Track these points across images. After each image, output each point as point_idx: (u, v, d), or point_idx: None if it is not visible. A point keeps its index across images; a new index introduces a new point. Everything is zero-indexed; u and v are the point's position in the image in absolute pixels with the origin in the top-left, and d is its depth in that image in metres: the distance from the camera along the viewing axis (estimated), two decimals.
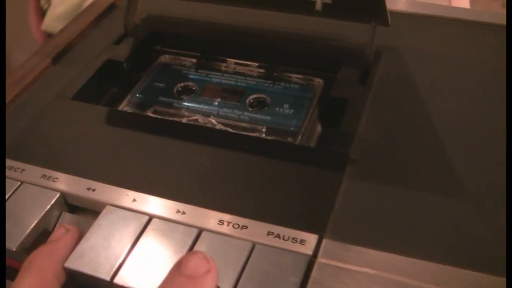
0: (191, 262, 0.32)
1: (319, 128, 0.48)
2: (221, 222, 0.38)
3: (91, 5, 0.62)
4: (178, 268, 0.32)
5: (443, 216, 0.38)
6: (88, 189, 0.41)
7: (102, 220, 0.39)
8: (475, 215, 0.38)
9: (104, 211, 0.39)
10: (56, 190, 0.41)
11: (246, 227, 0.38)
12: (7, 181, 0.42)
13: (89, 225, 0.39)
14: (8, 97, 0.51)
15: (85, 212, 0.42)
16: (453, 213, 0.39)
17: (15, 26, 1.62)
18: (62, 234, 0.37)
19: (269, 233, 0.37)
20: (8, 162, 0.44)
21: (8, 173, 0.43)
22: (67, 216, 0.41)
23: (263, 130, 0.47)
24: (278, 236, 0.37)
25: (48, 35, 1.35)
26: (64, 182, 0.42)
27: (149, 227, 0.38)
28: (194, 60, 0.56)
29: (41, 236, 0.39)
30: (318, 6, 0.43)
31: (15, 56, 1.75)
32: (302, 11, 0.50)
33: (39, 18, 1.37)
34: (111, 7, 0.62)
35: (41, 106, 0.49)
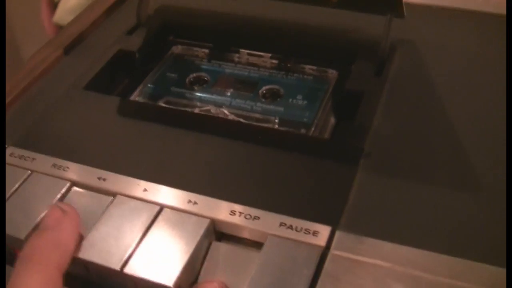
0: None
1: (332, 120, 0.48)
2: (232, 212, 0.38)
3: None
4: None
5: (458, 210, 0.38)
6: (99, 178, 0.41)
7: (113, 210, 0.38)
8: (491, 210, 0.38)
9: (115, 201, 0.39)
10: (67, 180, 0.41)
11: (258, 217, 0.37)
12: (18, 170, 0.42)
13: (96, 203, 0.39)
14: (20, 87, 0.51)
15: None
16: (469, 207, 0.38)
17: (27, 19, 1.63)
18: (60, 217, 0.36)
19: (281, 224, 0.37)
20: (19, 151, 0.44)
21: (19, 162, 0.43)
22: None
23: (276, 121, 0.46)
24: (290, 227, 0.36)
25: (60, 28, 1.35)
26: (75, 172, 0.42)
27: (160, 217, 0.38)
28: (207, 51, 0.55)
29: None
30: None
31: (27, 49, 1.76)
32: (317, 2, 0.49)
33: (51, 10, 1.37)
34: None
35: (53, 96, 0.49)
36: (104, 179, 0.41)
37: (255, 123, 0.46)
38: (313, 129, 0.46)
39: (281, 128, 0.46)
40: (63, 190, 0.41)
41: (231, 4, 0.57)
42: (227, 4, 0.57)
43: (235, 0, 0.56)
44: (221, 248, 0.37)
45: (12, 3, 1.58)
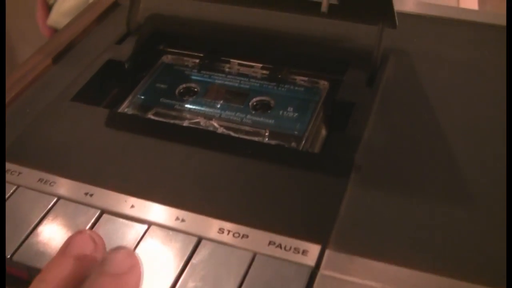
0: (115, 259, 0.29)
1: (324, 132, 0.47)
2: (221, 230, 0.37)
3: (94, 3, 0.61)
4: (101, 267, 0.29)
5: (451, 228, 0.37)
6: (86, 194, 0.40)
7: (100, 229, 0.38)
8: (485, 227, 0.37)
9: (101, 219, 0.38)
10: (53, 195, 0.40)
11: (247, 236, 0.37)
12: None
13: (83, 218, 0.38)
14: (8, 97, 0.50)
15: None
16: (462, 224, 0.37)
17: (22, 21, 1.62)
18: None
19: (270, 243, 0.36)
20: (6, 165, 0.43)
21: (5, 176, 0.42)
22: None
23: (266, 134, 0.46)
24: (279, 246, 0.36)
25: (55, 31, 1.35)
26: (62, 187, 0.41)
27: (147, 235, 0.37)
28: (197, 61, 0.54)
29: (39, 244, 0.38)
30: (324, 8, 0.42)
31: (23, 50, 1.75)
32: (307, 12, 0.49)
33: (46, 13, 1.36)
34: (114, 5, 0.61)
35: (41, 106, 0.48)
36: (91, 195, 0.40)
37: (245, 136, 0.46)
38: (303, 142, 0.45)
39: (271, 142, 0.45)
40: (50, 206, 0.40)
41: (222, 13, 0.56)
42: (218, 13, 0.56)
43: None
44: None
45: (8, 5, 1.57)
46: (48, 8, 1.35)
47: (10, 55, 1.75)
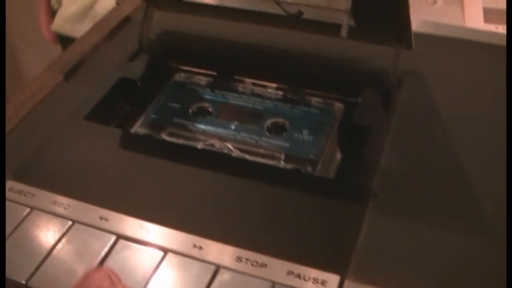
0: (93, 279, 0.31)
1: (339, 156, 0.47)
2: (239, 259, 0.37)
3: (105, 18, 0.60)
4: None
5: (474, 258, 0.37)
6: (101, 218, 0.40)
7: (115, 256, 0.37)
8: (504, 258, 0.37)
9: (117, 246, 0.38)
10: (68, 219, 0.40)
11: (266, 265, 0.36)
12: (18, 207, 0.41)
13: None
14: (19, 115, 0.49)
15: None
16: (484, 254, 0.37)
17: (26, 25, 1.62)
18: None
19: (289, 273, 0.36)
20: (19, 186, 0.43)
21: (18, 198, 0.42)
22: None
23: (282, 157, 0.45)
24: (298, 276, 0.36)
25: (58, 36, 1.34)
26: (76, 210, 0.41)
27: (164, 262, 0.37)
28: (210, 79, 0.54)
29: (54, 269, 0.37)
30: (344, 32, 0.42)
31: (25, 54, 1.75)
32: (325, 33, 0.48)
33: (49, 18, 1.36)
34: (126, 20, 0.60)
35: (52, 126, 0.48)
36: (106, 219, 0.40)
37: (260, 159, 0.45)
38: (319, 166, 0.45)
39: (287, 165, 0.45)
40: (64, 230, 0.40)
41: (236, 32, 0.56)
42: (232, 31, 0.56)
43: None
44: None
45: (11, 10, 1.57)
46: (52, 13, 1.35)
47: (12, 59, 1.75)
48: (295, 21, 0.49)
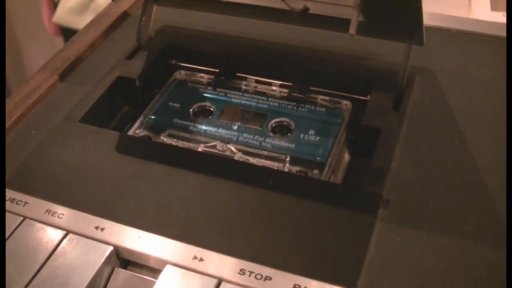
0: None
1: (347, 158, 0.44)
2: (242, 271, 0.35)
3: (102, 14, 0.58)
4: None
5: (488, 268, 0.35)
6: (97, 228, 0.38)
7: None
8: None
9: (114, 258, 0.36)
10: (62, 229, 0.38)
11: (270, 278, 0.34)
12: (9, 216, 0.39)
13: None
14: (13, 116, 0.47)
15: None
16: (499, 264, 0.35)
17: (28, 17, 1.60)
18: None
19: (295, 287, 0.34)
20: (11, 194, 0.41)
21: (10, 206, 0.40)
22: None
23: (287, 159, 0.43)
24: None
25: (61, 28, 1.33)
26: (70, 219, 0.39)
27: (162, 275, 0.35)
28: (212, 77, 0.52)
29: (46, 285, 0.36)
30: (352, 30, 0.39)
31: (28, 47, 1.73)
32: (332, 28, 0.46)
33: (51, 10, 1.35)
34: (123, 16, 0.58)
35: (47, 128, 0.46)
36: (102, 229, 0.38)
37: (264, 161, 0.43)
38: (326, 169, 0.42)
39: (293, 168, 0.43)
40: (58, 240, 0.38)
41: (238, 27, 0.53)
42: (234, 26, 0.53)
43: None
44: None
45: (14, 2, 1.55)
46: (54, 5, 1.33)
47: (16, 52, 1.73)
48: (301, 16, 0.46)
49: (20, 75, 1.76)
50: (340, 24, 0.44)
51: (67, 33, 1.30)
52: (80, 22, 1.20)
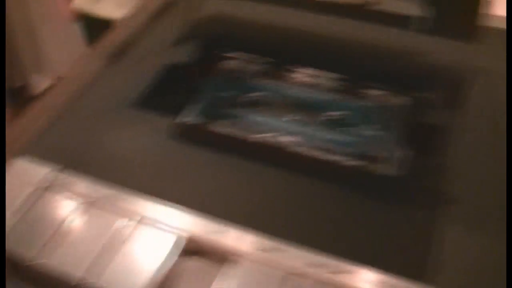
0: None
1: (405, 155, 0.44)
2: (310, 265, 0.34)
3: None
4: None
5: None
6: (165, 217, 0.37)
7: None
8: None
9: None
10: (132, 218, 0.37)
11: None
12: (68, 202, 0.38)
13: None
14: (59, 101, 0.46)
15: None
16: None
17: (44, 1, 1.59)
18: None
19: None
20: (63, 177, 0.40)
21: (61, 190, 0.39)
22: None
23: (341, 154, 0.42)
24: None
25: (78, 14, 1.32)
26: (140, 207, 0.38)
27: (229, 265, 0.34)
28: (263, 67, 0.50)
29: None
30: (415, 25, 0.39)
31: (44, 31, 1.72)
32: (391, 24, 0.45)
33: None
34: (172, 2, 0.57)
35: (97, 114, 0.45)
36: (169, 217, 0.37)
37: (318, 155, 0.42)
38: (384, 164, 0.41)
39: (350, 163, 0.42)
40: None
41: (291, 17, 0.52)
42: (287, 16, 0.52)
43: None
44: None
45: None
46: None
47: (31, 37, 1.72)
48: (359, 10, 0.45)
49: (35, 60, 1.75)
50: (400, 20, 0.43)
51: (84, 19, 1.29)
52: (97, 8, 1.19)
